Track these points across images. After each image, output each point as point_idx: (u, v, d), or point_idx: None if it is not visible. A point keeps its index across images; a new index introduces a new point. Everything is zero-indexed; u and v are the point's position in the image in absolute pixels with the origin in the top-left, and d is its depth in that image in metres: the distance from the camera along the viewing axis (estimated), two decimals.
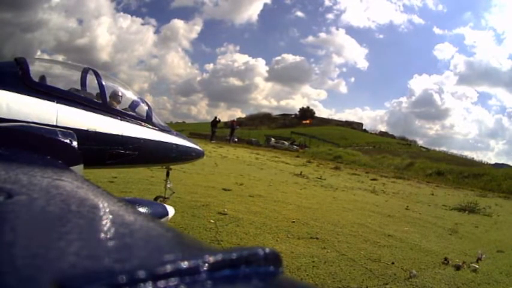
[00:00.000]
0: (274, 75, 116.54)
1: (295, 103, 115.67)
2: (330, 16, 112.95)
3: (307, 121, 76.62)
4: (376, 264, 3.26)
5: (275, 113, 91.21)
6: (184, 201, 4.54)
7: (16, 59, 2.23)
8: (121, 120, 2.50)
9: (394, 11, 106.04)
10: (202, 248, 0.51)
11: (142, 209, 2.23)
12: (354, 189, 8.78)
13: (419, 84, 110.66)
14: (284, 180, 8.43)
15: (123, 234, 0.52)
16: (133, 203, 2.29)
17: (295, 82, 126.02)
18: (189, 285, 0.37)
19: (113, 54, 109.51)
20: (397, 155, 26.09)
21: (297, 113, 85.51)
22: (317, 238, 3.83)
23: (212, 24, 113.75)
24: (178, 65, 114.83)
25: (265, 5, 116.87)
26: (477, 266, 3.55)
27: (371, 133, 74.47)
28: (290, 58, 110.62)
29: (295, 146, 31.95)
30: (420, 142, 72.92)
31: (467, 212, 7.34)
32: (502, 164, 33.97)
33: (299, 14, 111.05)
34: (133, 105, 2.81)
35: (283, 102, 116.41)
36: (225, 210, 4.39)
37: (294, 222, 4.38)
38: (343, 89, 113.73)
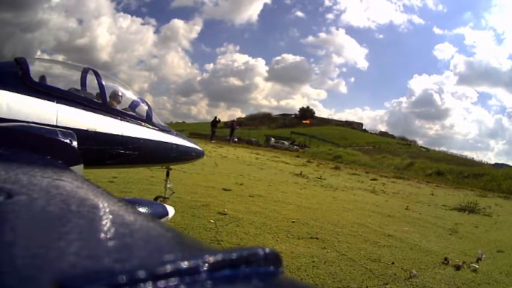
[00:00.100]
0: (274, 75, 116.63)
1: (295, 103, 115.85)
2: (330, 16, 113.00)
3: (307, 121, 76.54)
4: (376, 264, 3.26)
5: (275, 113, 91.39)
6: (184, 201, 4.54)
7: (16, 59, 2.23)
8: (121, 120, 2.50)
9: (394, 11, 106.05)
10: (202, 248, 0.51)
11: (142, 209, 2.23)
12: (353, 189, 8.78)
13: (419, 84, 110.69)
14: (284, 180, 8.43)
15: (123, 234, 0.52)
16: (133, 203, 2.29)
17: (295, 82, 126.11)
18: (189, 285, 0.37)
19: (113, 54, 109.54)
20: (397, 155, 26.07)
21: (297, 113, 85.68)
22: (317, 238, 3.83)
23: (212, 24, 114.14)
24: (178, 65, 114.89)
25: (265, 5, 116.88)
26: (477, 266, 3.55)
27: (371, 133, 74.47)
28: (290, 58, 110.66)
29: (295, 146, 31.93)
30: (420, 142, 73.00)
31: (467, 212, 7.34)
32: (502, 164, 33.93)
33: (299, 14, 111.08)
34: (133, 105, 2.81)
35: (283, 102, 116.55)
36: (225, 210, 4.39)
37: (294, 222, 4.38)
38: (343, 89, 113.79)
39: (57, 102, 2.13)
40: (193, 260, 0.39)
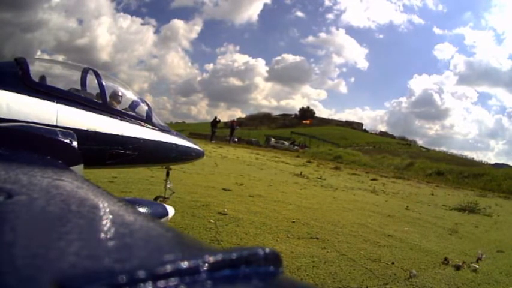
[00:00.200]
0: (274, 75, 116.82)
1: (295, 103, 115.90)
2: (330, 16, 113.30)
3: (307, 121, 76.60)
4: (376, 264, 3.26)
5: (275, 113, 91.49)
6: (184, 201, 4.53)
7: (16, 59, 2.23)
8: (121, 120, 2.50)
9: (394, 11, 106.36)
10: (202, 248, 0.51)
11: (142, 209, 2.23)
12: (353, 189, 8.78)
13: (419, 84, 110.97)
14: (284, 180, 8.43)
15: (123, 234, 0.52)
16: (133, 203, 2.29)
17: (295, 82, 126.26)
18: (189, 285, 0.37)
19: (113, 54, 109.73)
20: (397, 155, 26.06)
21: (297, 113, 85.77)
22: (317, 238, 3.83)
23: (212, 24, 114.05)
24: (178, 65, 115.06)
25: (265, 5, 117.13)
26: (477, 266, 3.55)
27: (371, 133, 74.49)
28: (290, 58, 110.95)
29: (295, 146, 31.91)
30: (420, 142, 73.06)
31: (467, 212, 7.34)
32: (502, 164, 33.91)
33: (299, 14, 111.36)
34: (134, 105, 2.81)
35: (283, 102, 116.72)
36: (225, 210, 4.39)
37: (294, 222, 4.38)
38: (343, 89, 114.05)
39: (57, 102, 2.12)
40: (193, 260, 0.39)
